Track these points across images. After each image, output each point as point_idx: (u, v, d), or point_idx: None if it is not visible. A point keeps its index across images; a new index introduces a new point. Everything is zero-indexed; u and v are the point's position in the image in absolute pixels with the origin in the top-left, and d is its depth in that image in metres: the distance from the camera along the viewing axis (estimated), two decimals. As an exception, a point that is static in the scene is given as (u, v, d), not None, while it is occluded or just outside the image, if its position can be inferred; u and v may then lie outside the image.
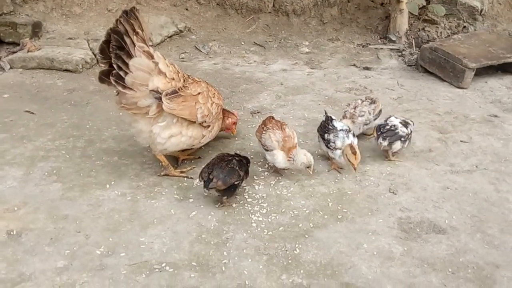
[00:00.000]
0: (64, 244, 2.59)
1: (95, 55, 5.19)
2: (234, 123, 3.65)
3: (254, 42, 5.88)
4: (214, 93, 3.32)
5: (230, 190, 2.90)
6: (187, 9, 6.20)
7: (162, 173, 3.23)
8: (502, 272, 2.50)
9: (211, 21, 6.15)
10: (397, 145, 3.35)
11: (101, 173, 3.25)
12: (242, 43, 5.87)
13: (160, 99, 2.90)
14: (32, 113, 4.03)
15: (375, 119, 3.67)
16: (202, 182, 2.91)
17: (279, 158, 3.15)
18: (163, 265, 2.49)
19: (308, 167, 3.14)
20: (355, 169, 3.14)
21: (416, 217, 2.91)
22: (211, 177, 2.85)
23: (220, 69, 5.25)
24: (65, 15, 5.92)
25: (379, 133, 3.37)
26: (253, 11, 6.21)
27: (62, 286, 2.33)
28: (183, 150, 3.39)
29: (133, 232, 2.72)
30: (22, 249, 2.53)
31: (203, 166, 3.01)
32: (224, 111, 3.55)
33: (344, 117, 3.63)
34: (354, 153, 3.10)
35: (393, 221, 2.88)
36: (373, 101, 3.72)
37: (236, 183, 2.90)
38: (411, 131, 3.45)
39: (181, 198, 3.04)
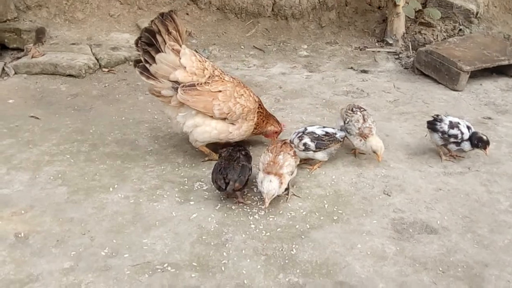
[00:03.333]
0: (70, 246, 2.70)
1: (97, 60, 5.31)
2: (276, 133, 3.73)
3: (254, 46, 5.99)
4: (243, 95, 3.44)
5: (246, 185, 3.07)
6: (187, 14, 6.31)
7: (206, 159, 3.55)
8: (490, 271, 2.60)
9: (211, 26, 6.25)
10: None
11: (105, 177, 3.35)
12: (242, 47, 5.98)
13: (177, 89, 3.21)
14: (37, 118, 4.15)
15: None
16: (216, 187, 2.99)
17: (258, 179, 3.01)
18: (165, 265, 2.60)
19: (261, 192, 2.94)
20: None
21: (409, 218, 3.01)
22: (227, 181, 2.96)
23: (220, 73, 5.34)
24: (68, 20, 6.04)
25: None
26: (253, 15, 6.31)
27: (69, 286, 2.44)
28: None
29: (136, 234, 2.82)
30: (30, 251, 2.64)
31: (213, 170, 3.07)
32: (271, 118, 3.72)
33: (364, 135, 3.40)
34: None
35: (386, 222, 2.98)
36: (364, 109, 3.64)
37: (249, 176, 3.08)
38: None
39: (182, 200, 3.14)
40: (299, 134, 3.44)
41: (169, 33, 3.16)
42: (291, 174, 3.09)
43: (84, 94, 4.72)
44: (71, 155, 3.59)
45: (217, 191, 3.10)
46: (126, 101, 4.60)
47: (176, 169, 3.49)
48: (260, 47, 5.97)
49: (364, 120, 3.45)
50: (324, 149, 3.40)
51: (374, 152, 3.41)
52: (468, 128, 3.51)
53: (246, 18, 6.32)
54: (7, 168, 3.40)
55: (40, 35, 5.61)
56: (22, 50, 5.41)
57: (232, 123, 3.43)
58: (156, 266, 2.59)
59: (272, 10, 6.30)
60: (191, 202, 3.13)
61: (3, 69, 5.09)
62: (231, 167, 3.03)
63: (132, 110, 4.40)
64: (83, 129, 4.00)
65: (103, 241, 2.74)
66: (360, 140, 3.41)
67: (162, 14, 3.18)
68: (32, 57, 5.22)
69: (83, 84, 4.92)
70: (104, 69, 5.26)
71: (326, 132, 3.42)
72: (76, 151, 3.66)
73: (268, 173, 2.97)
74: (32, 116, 4.16)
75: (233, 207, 3.09)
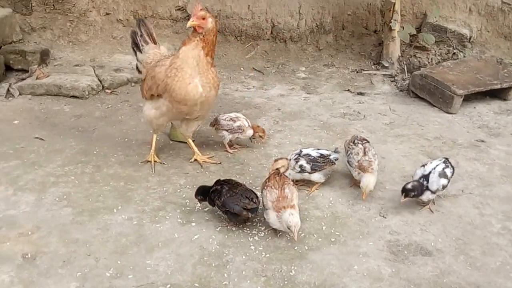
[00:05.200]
0: (76, 267, 2.78)
1: (100, 81, 5.44)
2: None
3: (253, 68, 6.14)
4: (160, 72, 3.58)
5: None
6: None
7: (193, 159, 3.88)
8: (483, 293, 2.69)
9: (212, 47, 6.40)
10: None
11: (109, 198, 3.45)
12: (242, 68, 6.13)
13: None
14: (42, 139, 4.25)
15: None
16: (239, 211, 3.06)
17: (271, 219, 3.06)
18: (168, 286, 2.69)
19: (288, 227, 2.94)
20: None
21: (404, 240, 3.11)
22: (254, 200, 3.10)
23: (220, 94, 5.44)
24: (72, 42, 6.20)
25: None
26: (252, 37, 6.48)
27: (75, 307, 2.52)
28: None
29: (139, 255, 2.91)
30: (37, 272, 2.72)
31: (227, 200, 3.08)
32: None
33: (363, 169, 3.41)
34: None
35: (382, 243, 3.08)
36: (367, 140, 3.68)
37: None
38: None
39: (184, 222, 3.23)
40: (295, 156, 3.55)
41: (141, 35, 3.87)
42: None
43: (88, 115, 4.83)
44: (75, 177, 3.69)
45: (225, 216, 3.19)
46: (128, 123, 4.71)
47: (178, 191, 3.59)
48: (259, 69, 6.12)
49: (364, 153, 3.49)
50: (320, 170, 3.51)
51: (361, 188, 3.41)
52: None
53: (246, 41, 6.48)
54: (14, 189, 3.49)
55: (44, 57, 5.75)
56: (27, 71, 5.54)
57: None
58: (159, 287, 2.68)
59: (271, 33, 6.47)
60: (193, 224, 3.22)
61: (8, 90, 5.21)
62: (245, 189, 3.19)
63: (135, 132, 4.51)
64: (87, 150, 4.10)
65: (108, 262, 2.83)
66: (358, 173, 3.44)
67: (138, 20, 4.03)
68: (37, 78, 5.35)
69: (87, 105, 5.03)
70: (107, 90, 5.38)
71: (321, 154, 3.54)
72: (80, 172, 3.76)
73: (283, 208, 2.98)
74: (37, 137, 4.26)
75: (234, 229, 3.18)
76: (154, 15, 6.48)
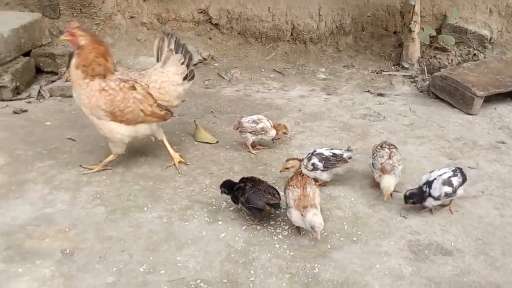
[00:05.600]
0: (111, 262, 2.94)
1: (127, 84, 5.62)
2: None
3: (274, 69, 6.26)
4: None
5: None
6: (210, 38, 6.63)
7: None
8: (502, 292, 2.76)
9: (233, 49, 6.55)
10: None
11: (139, 197, 3.61)
12: (262, 70, 6.25)
13: None
14: (74, 140, 4.44)
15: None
16: (262, 206, 3.22)
17: (293, 217, 3.16)
18: (198, 281, 2.83)
19: (312, 227, 3.04)
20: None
21: (425, 239, 3.20)
22: (277, 196, 3.26)
23: (242, 95, 5.62)
24: (98, 45, 6.39)
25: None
26: (272, 39, 6.59)
27: (112, 300, 2.68)
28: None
29: (170, 252, 3.06)
30: (76, 267, 2.90)
31: (251, 196, 3.23)
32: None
33: (385, 171, 3.48)
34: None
35: (403, 243, 3.17)
36: (395, 146, 3.75)
37: None
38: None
39: (211, 220, 3.38)
40: (308, 155, 3.70)
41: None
42: None
43: (115, 116, 5.01)
44: (107, 176, 3.86)
45: (249, 213, 3.33)
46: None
47: (204, 190, 3.74)
48: (280, 70, 6.24)
49: (389, 157, 3.57)
50: (331, 168, 3.63)
51: (381, 189, 3.47)
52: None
53: (266, 42, 6.61)
54: (50, 188, 3.68)
55: (71, 59, 5.95)
56: (56, 73, 5.76)
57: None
58: (190, 282, 2.82)
59: (291, 34, 6.57)
60: (219, 222, 3.36)
61: (39, 92, 5.44)
62: (268, 185, 3.34)
63: (161, 132, 4.67)
64: (116, 150, 4.27)
65: (141, 258, 2.99)
66: (380, 175, 3.52)
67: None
68: (66, 80, 5.55)
69: (114, 107, 5.21)
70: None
71: (334, 153, 3.68)
72: (111, 172, 3.93)
73: (306, 206, 3.09)
74: (69, 138, 4.46)
75: (258, 228, 3.31)
76: (177, 18, 6.65)
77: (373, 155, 3.74)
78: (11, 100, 5.20)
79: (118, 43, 6.45)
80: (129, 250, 3.06)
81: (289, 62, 6.39)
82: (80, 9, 6.49)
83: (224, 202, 3.56)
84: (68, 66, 5.83)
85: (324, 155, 3.65)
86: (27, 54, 5.73)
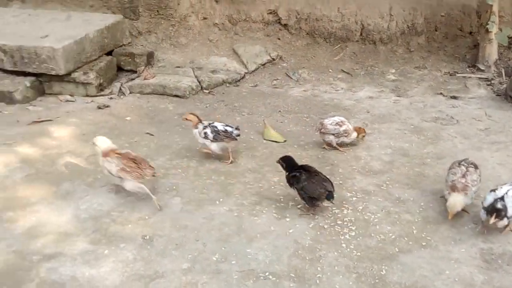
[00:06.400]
0: (187, 250, 3.16)
1: (199, 82, 5.90)
2: None
3: (342, 70, 6.26)
4: None
5: None
6: (279, 39, 6.75)
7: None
8: None
9: (301, 50, 6.63)
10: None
11: (212, 191, 3.82)
12: (330, 70, 6.28)
13: None
14: (152, 134, 4.75)
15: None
16: (319, 195, 3.39)
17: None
18: (267, 274, 2.96)
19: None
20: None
21: (498, 249, 3.11)
22: (333, 188, 3.44)
23: (309, 96, 5.69)
24: (173, 45, 6.74)
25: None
26: (341, 39, 6.59)
27: (188, 285, 2.88)
28: None
29: (240, 244, 3.22)
30: (155, 252, 3.14)
31: (310, 186, 3.39)
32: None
33: (454, 189, 3.33)
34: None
35: (475, 251, 3.10)
36: (476, 166, 3.52)
37: None
38: None
39: (279, 217, 3.50)
40: (206, 124, 4.10)
41: None
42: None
43: (189, 113, 5.28)
44: (182, 170, 4.11)
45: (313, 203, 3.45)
46: (225, 121, 5.06)
47: (272, 187, 3.87)
48: (348, 70, 6.23)
49: (463, 175, 3.39)
50: (220, 141, 4.03)
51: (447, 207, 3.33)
52: None
53: (334, 42, 6.62)
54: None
55: (150, 59, 6.34)
56: (135, 72, 6.15)
57: None
58: (259, 273, 2.96)
59: (361, 34, 6.53)
60: (287, 219, 3.47)
61: (120, 89, 5.85)
62: (323, 175, 3.51)
63: (231, 130, 4.87)
64: (190, 146, 4.52)
65: (214, 248, 3.17)
66: (448, 193, 3.36)
67: None
68: (144, 78, 5.93)
69: (187, 104, 5.50)
70: (205, 91, 5.83)
71: (225, 130, 4.03)
72: (186, 166, 4.18)
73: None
74: (148, 133, 4.78)
75: (325, 226, 3.38)
76: (247, 18, 6.84)
77: (448, 169, 3.57)
78: (95, 96, 5.64)
79: (192, 43, 6.75)
80: (203, 239, 3.26)
81: (357, 63, 6.36)
82: (157, 10, 6.86)
83: (291, 200, 3.66)
84: (146, 65, 6.27)
85: (217, 128, 4.04)
86: (109, 53, 6.18)
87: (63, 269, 2.97)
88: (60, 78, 5.55)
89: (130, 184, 3.52)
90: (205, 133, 4.07)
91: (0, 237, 3.22)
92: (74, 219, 3.43)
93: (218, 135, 4.02)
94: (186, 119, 4.25)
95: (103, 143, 3.72)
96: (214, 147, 4.08)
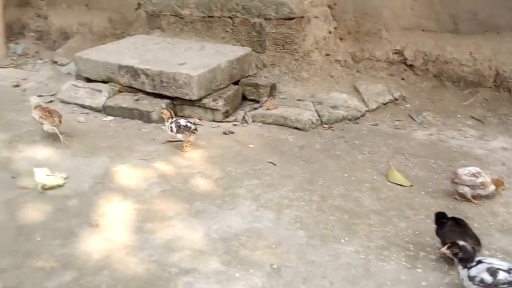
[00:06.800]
0: (314, 286, 3.14)
1: (319, 116, 5.96)
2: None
3: (471, 116, 5.91)
4: None
5: None
6: (403, 79, 6.60)
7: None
8: None
9: (426, 92, 6.41)
10: None
11: (335, 228, 3.77)
12: (458, 115, 5.96)
13: None
14: (274, 164, 4.87)
15: None
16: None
17: None
18: (399, 326, 2.82)
19: None
20: None
21: None
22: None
23: (435, 140, 5.44)
24: (295, 79, 6.92)
25: None
26: (472, 84, 6.25)
27: (315, 322, 2.84)
28: None
29: (369, 288, 3.12)
30: (283, 282, 3.17)
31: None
32: None
33: None
34: None
35: None
36: None
37: None
38: None
39: (410, 266, 3.33)
40: (174, 120, 4.97)
41: None
42: None
43: (309, 146, 5.35)
44: (305, 203, 4.13)
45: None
46: (345, 158, 5.05)
47: (400, 233, 3.71)
48: (479, 117, 5.86)
49: None
50: (182, 133, 4.87)
51: None
52: None
53: (464, 87, 6.29)
54: (256, 205, 4.10)
55: (272, 90, 6.58)
56: (257, 101, 6.41)
57: None
58: (391, 324, 2.83)
59: (494, 81, 6.14)
60: (419, 270, 3.29)
61: (244, 117, 6.13)
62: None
63: (352, 168, 4.81)
64: (311, 179, 4.55)
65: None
66: None
67: None
68: (267, 109, 6.15)
69: (307, 137, 5.57)
70: (324, 125, 5.87)
71: (186, 125, 4.87)
72: (308, 199, 4.20)
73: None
74: (270, 162, 4.91)
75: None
76: (371, 57, 6.82)
77: None
78: (221, 121, 5.97)
79: (313, 78, 6.88)
80: (329, 277, 3.21)
81: (489, 110, 5.96)
82: (283, 45, 7.12)
83: (422, 250, 3.48)
84: (268, 96, 6.52)
85: (179, 123, 4.89)
86: (236, 82, 6.55)
87: (198, 285, 3.11)
88: (192, 102, 5.99)
89: (46, 127, 4.88)
90: (171, 127, 4.93)
91: (142, 246, 3.49)
92: (206, 237, 3.60)
93: (179, 129, 4.89)
94: (162, 114, 5.16)
95: (34, 100, 5.12)
96: (181, 136, 4.94)
